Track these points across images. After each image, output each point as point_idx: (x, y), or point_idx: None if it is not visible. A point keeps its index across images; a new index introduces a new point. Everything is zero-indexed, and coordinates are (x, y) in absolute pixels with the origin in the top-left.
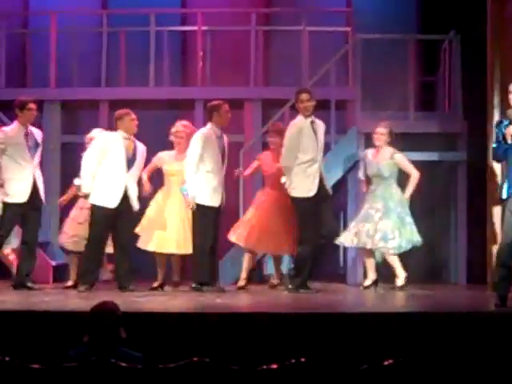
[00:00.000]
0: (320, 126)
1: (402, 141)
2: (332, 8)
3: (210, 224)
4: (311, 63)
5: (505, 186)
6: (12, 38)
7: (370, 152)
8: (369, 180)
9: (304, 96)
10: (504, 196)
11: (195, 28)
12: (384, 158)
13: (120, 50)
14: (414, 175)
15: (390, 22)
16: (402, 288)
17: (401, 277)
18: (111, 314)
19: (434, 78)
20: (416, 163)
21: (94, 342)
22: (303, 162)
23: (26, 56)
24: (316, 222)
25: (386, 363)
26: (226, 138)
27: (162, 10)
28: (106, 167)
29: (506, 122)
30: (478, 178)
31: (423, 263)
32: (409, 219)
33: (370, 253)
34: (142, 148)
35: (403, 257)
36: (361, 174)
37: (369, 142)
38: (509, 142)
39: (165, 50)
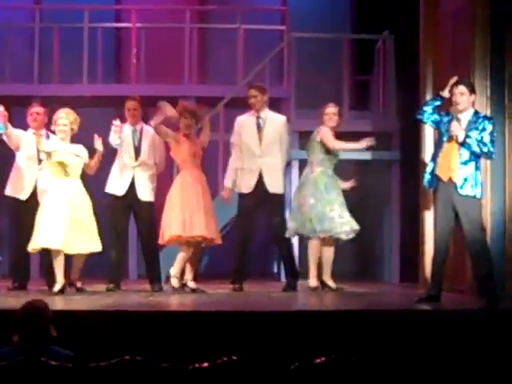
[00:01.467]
0: (272, 121)
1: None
2: (267, 6)
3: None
4: (246, 61)
5: (426, 176)
6: None
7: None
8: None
9: (249, 92)
10: (425, 184)
11: (129, 25)
12: None
13: (53, 46)
14: None
15: (324, 21)
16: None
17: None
18: (41, 313)
19: (368, 77)
20: (350, 162)
21: (24, 340)
22: (244, 157)
23: None
24: (247, 221)
25: (317, 361)
26: (145, 132)
27: (96, 7)
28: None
29: (447, 118)
30: (412, 177)
31: (357, 261)
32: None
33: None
34: None
35: (337, 254)
36: None
37: (303, 140)
38: (444, 138)
39: (99, 46)
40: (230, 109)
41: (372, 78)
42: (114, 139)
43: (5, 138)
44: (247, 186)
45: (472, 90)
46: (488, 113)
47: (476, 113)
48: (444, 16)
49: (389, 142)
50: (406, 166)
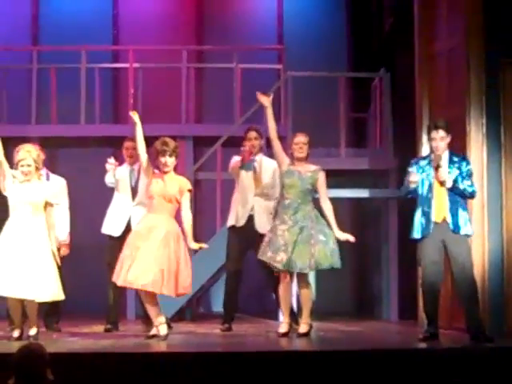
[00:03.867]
0: (265, 165)
1: (332, 178)
2: (264, 45)
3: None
4: (243, 100)
5: (416, 226)
6: None
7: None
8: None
9: (247, 135)
10: (417, 236)
11: (126, 65)
12: (308, 169)
13: (50, 87)
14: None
15: (321, 60)
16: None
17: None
18: (38, 356)
19: (364, 114)
20: (346, 200)
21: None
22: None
23: None
24: (235, 254)
25: None
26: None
27: (93, 47)
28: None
29: (424, 162)
30: (409, 215)
31: (356, 299)
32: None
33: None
34: None
35: (338, 291)
36: None
37: None
38: (410, 184)
39: (96, 86)
40: (227, 148)
41: (369, 115)
42: (109, 178)
43: None
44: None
45: (449, 132)
46: (484, 150)
47: (451, 153)
48: (439, 54)
49: (386, 179)
50: (403, 203)
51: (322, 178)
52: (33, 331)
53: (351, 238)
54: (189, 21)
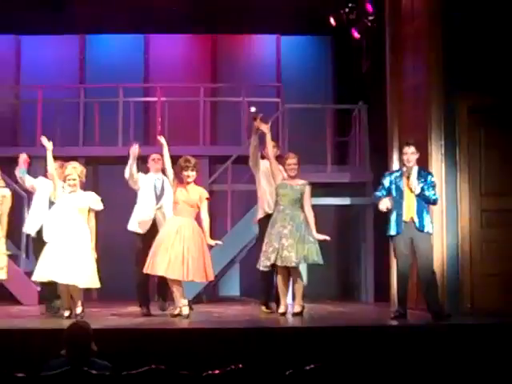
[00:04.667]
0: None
1: (321, 189)
2: (265, 83)
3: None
4: (248, 127)
5: (392, 225)
6: (6, 106)
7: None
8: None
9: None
10: (392, 233)
11: (155, 99)
12: (298, 183)
13: (94, 116)
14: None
15: (311, 94)
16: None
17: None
18: (84, 331)
19: (346, 138)
20: (332, 207)
21: (70, 354)
22: None
23: (17, 121)
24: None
25: (307, 368)
26: (163, 180)
27: (128, 85)
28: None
29: (397, 174)
30: (382, 218)
31: (340, 286)
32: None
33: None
34: None
35: (323, 280)
36: None
37: None
38: (377, 193)
39: (130, 116)
40: (236, 165)
41: (350, 139)
42: (128, 172)
43: (20, 180)
44: None
45: (418, 149)
46: (443, 166)
47: (420, 168)
48: (406, 88)
49: (363, 190)
50: (377, 209)
51: (308, 190)
52: (78, 309)
53: (328, 238)
54: (205, 63)
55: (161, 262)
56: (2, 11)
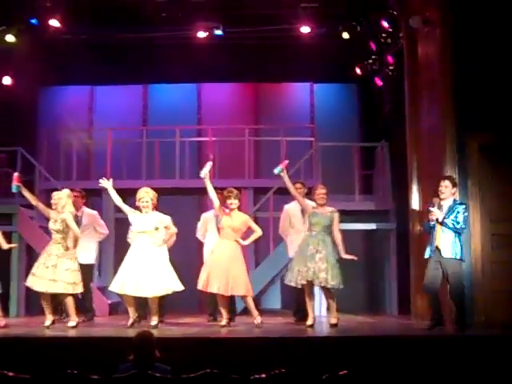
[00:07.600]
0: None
1: (350, 216)
2: (300, 124)
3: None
4: (288, 162)
5: (427, 250)
6: (81, 146)
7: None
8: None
9: (296, 185)
10: (426, 256)
11: (207, 139)
12: (328, 210)
13: (155, 154)
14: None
15: (341, 134)
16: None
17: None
18: (148, 340)
19: (371, 171)
20: (360, 231)
21: (136, 359)
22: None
23: (90, 158)
24: None
25: (341, 373)
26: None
27: (184, 127)
28: None
29: (430, 207)
30: (404, 241)
31: (367, 300)
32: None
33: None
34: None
35: (355, 294)
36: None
37: None
38: (431, 222)
39: (186, 153)
40: (277, 195)
41: (374, 172)
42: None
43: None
44: None
45: (454, 184)
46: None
47: (454, 200)
48: (423, 129)
49: (387, 216)
50: (399, 233)
51: (336, 216)
52: (153, 322)
53: (355, 258)
54: (249, 107)
55: (213, 280)
56: (79, 66)
